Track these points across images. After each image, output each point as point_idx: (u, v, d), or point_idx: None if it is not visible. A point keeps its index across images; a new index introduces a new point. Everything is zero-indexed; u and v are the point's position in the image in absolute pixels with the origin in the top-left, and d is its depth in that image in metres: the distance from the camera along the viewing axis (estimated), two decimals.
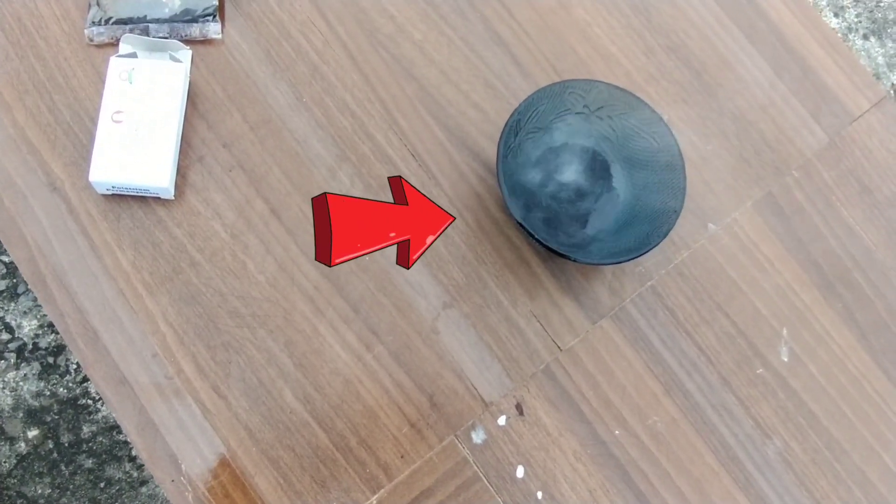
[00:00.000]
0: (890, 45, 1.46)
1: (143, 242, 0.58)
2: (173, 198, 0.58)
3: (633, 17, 0.68)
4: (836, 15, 1.48)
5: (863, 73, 0.69)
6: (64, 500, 1.16)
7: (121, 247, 0.57)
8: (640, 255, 0.56)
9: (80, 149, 0.59)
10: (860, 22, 1.47)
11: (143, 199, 0.58)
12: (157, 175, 0.56)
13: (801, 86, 0.68)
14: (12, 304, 1.22)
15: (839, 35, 1.45)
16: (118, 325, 0.56)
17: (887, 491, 0.60)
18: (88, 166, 0.56)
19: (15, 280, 1.23)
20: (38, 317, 1.22)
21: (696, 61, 0.68)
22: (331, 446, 0.56)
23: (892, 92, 1.42)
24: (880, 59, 1.44)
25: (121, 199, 0.58)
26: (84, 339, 0.56)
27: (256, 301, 0.57)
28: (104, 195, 0.58)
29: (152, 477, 1.18)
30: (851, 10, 1.48)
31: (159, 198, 0.58)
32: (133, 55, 0.59)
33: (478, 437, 0.57)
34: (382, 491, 0.55)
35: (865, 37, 1.45)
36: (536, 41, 0.66)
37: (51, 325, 1.22)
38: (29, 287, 1.21)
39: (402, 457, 0.56)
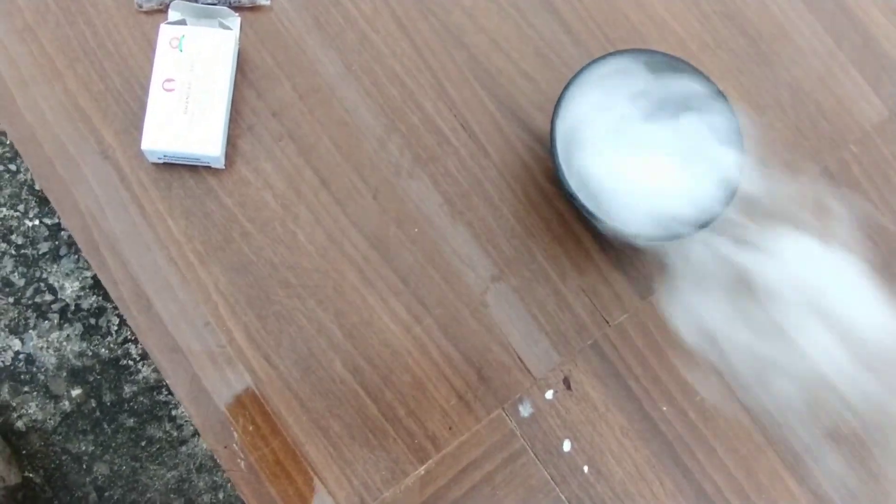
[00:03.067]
0: None
1: (195, 212, 0.58)
2: (223, 167, 0.58)
3: None
4: None
5: None
6: (107, 457, 1.20)
7: (172, 216, 0.58)
8: (693, 234, 0.55)
9: (131, 116, 0.59)
10: None
11: (193, 168, 0.58)
12: (209, 144, 0.56)
13: (860, 55, 0.66)
14: (55, 266, 1.24)
15: None
16: (171, 293, 0.57)
17: None
18: (140, 134, 0.56)
19: (57, 242, 1.25)
20: (80, 279, 1.24)
21: (752, 29, 0.66)
22: (380, 416, 0.56)
23: None
24: None
25: (172, 167, 0.58)
26: (137, 307, 0.56)
27: (307, 271, 0.58)
28: (155, 164, 0.58)
29: (192, 436, 1.20)
30: None
31: (210, 167, 0.58)
32: (182, 22, 0.59)
33: (525, 410, 0.57)
34: (430, 461, 0.56)
35: None
36: (588, 8, 0.64)
37: (92, 287, 1.24)
38: (76, 251, 1.23)
39: (449, 428, 0.56)
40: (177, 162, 0.58)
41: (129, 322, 0.56)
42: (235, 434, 0.55)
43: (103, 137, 0.58)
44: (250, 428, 0.55)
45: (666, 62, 0.58)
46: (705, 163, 0.56)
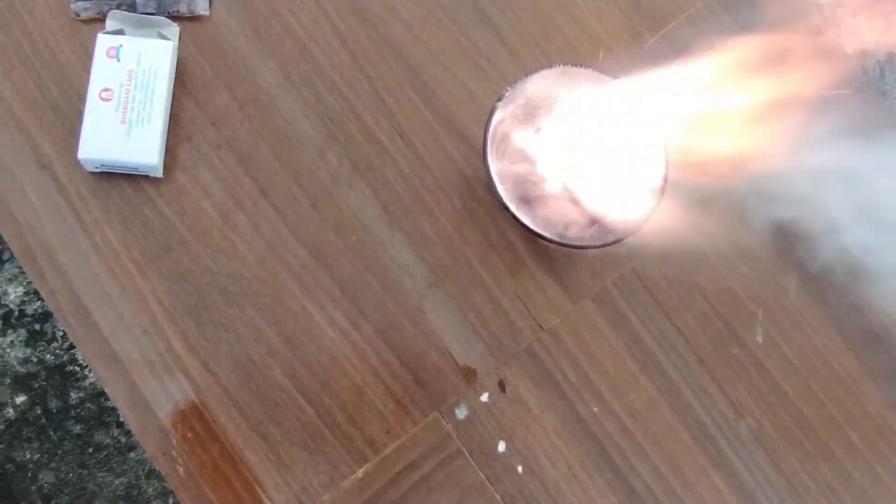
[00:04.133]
0: None
1: (133, 220, 0.58)
2: (162, 176, 0.59)
3: None
4: None
5: None
6: (53, 464, 1.18)
7: (110, 224, 0.58)
8: (621, 241, 0.57)
9: (68, 126, 0.59)
10: None
11: (131, 178, 0.59)
12: (146, 153, 0.57)
13: None
14: None
15: None
16: (109, 302, 0.57)
17: (851, 466, 0.62)
18: (77, 143, 0.56)
19: (0, 246, 1.23)
20: (25, 284, 1.22)
21: (680, 45, 0.68)
22: (318, 422, 0.57)
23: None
24: None
25: (110, 176, 0.59)
26: (75, 316, 0.56)
27: (245, 279, 0.58)
28: (93, 173, 0.58)
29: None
30: None
31: (148, 176, 0.59)
32: (120, 32, 0.59)
33: (461, 413, 0.59)
34: (368, 464, 0.57)
35: None
36: (524, 22, 0.66)
37: (37, 293, 1.23)
38: (17, 260, 1.21)
39: (387, 432, 0.58)
40: (115, 171, 0.58)
41: (66, 331, 0.56)
42: (174, 441, 0.56)
43: (40, 146, 0.58)
44: (189, 435, 0.56)
45: (596, 77, 0.60)
46: (632, 172, 0.59)
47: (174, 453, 0.55)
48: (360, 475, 0.57)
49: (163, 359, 0.57)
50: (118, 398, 0.56)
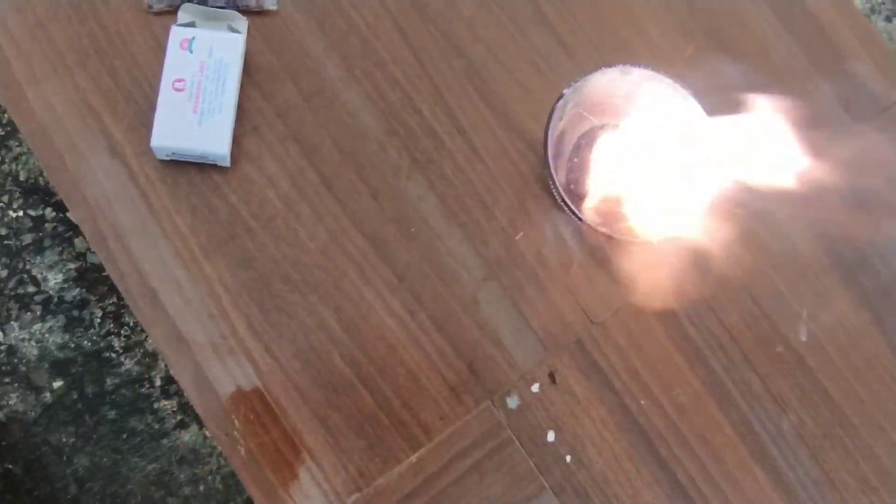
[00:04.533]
0: None
1: (200, 208, 0.60)
2: (229, 165, 0.61)
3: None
4: None
5: (895, 66, 0.71)
6: (88, 448, 1.21)
7: (179, 211, 0.60)
8: (671, 237, 0.58)
9: (140, 115, 0.61)
10: (883, 3, 1.48)
11: (200, 166, 0.61)
12: (216, 143, 0.59)
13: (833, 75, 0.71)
14: (38, 258, 1.25)
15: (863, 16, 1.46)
16: (176, 286, 0.59)
17: (892, 465, 0.63)
18: (148, 132, 0.58)
19: (41, 234, 1.26)
20: (64, 270, 1.25)
21: (733, 47, 0.70)
22: (375, 407, 0.59)
23: None
24: None
25: (179, 165, 0.61)
26: (144, 299, 0.58)
27: (308, 268, 0.60)
28: (163, 161, 0.60)
29: (174, 429, 1.22)
30: None
31: (216, 165, 0.61)
32: (192, 24, 0.61)
33: (512, 402, 0.61)
34: (423, 450, 0.59)
35: (888, 18, 1.47)
36: (581, 23, 0.68)
37: (76, 279, 1.25)
38: (59, 242, 1.23)
39: (441, 419, 0.59)
40: (184, 159, 0.60)
41: (134, 313, 0.58)
42: (236, 422, 0.57)
43: (112, 134, 0.60)
44: (251, 416, 0.58)
45: (651, 76, 0.61)
46: (686, 171, 0.60)
47: (236, 434, 0.57)
48: (413, 460, 0.59)
49: (226, 342, 0.58)
50: (183, 378, 0.58)
